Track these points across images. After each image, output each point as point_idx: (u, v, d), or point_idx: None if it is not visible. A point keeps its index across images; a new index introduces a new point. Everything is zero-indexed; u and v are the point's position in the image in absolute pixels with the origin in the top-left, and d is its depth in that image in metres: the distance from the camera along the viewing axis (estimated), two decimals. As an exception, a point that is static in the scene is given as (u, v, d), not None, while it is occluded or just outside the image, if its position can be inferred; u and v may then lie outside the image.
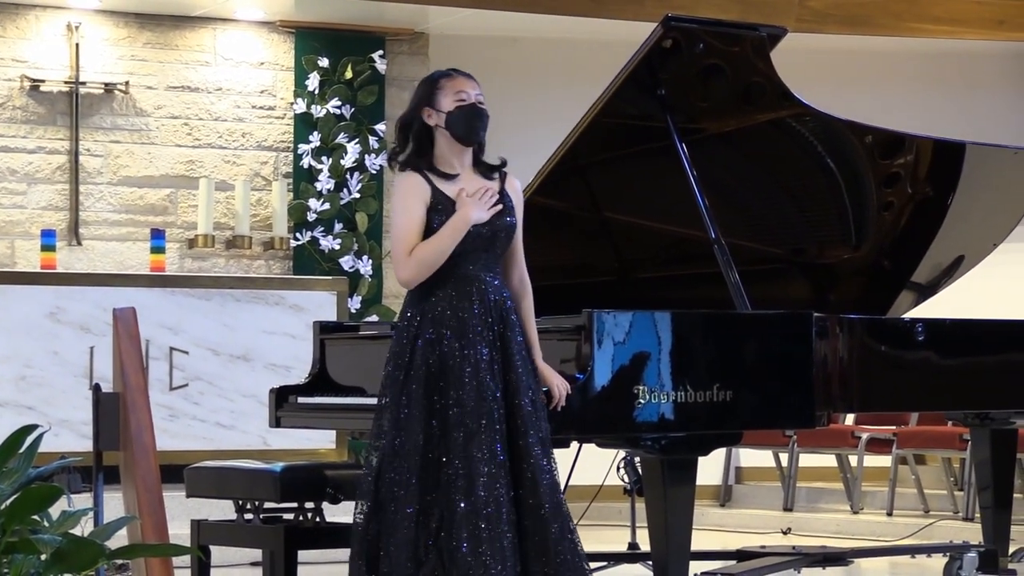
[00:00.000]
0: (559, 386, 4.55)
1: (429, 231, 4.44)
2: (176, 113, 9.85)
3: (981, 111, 12.10)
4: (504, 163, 4.67)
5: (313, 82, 9.87)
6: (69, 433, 8.47)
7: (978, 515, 8.03)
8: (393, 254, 4.69)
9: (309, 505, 5.54)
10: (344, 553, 5.35)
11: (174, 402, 8.75)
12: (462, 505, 4.23)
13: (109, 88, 9.69)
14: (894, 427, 10.19)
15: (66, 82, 9.70)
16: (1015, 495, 7.73)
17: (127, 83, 9.67)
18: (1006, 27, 11.13)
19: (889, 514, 10.14)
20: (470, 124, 4.55)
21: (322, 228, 9.83)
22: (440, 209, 4.45)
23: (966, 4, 11.07)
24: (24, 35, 9.77)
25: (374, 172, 9.97)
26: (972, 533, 8.20)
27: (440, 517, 4.29)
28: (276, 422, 6.28)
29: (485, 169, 4.59)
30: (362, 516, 4.41)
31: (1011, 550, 7.55)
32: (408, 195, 4.52)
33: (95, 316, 8.77)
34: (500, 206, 4.48)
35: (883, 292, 7.36)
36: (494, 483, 4.25)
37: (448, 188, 4.49)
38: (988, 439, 7.31)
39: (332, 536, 5.66)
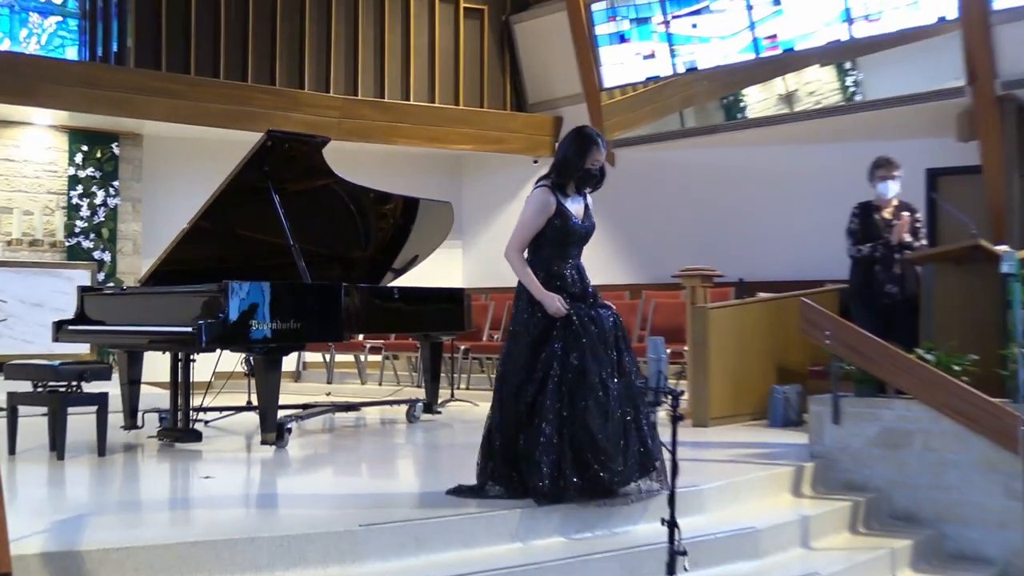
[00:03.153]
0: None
1: (551, 229, 5.68)
2: None
3: (430, 181, 15.42)
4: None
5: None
6: None
7: (422, 384, 10.55)
8: (511, 238, 5.72)
9: (75, 383, 7.20)
10: (89, 409, 7.28)
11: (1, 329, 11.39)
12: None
13: None
14: (383, 340, 12.94)
15: None
16: (441, 374, 10.47)
17: None
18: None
19: (379, 384, 13.08)
20: (592, 183, 5.81)
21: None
22: (561, 215, 5.69)
23: (448, 124, 15.22)
24: None
25: None
26: (420, 393, 10.63)
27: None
28: (55, 340, 8.49)
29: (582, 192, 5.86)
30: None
31: (439, 401, 10.40)
32: (539, 207, 5.68)
33: None
34: (567, 309, 5.59)
35: (378, 273, 9.66)
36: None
37: (567, 204, 5.73)
38: (428, 345, 10.11)
39: (87, 400, 7.32)
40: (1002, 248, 7.59)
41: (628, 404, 5.57)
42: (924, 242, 8.82)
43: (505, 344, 5.79)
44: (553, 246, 5.65)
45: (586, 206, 5.79)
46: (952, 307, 8.11)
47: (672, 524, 4.74)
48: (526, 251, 5.70)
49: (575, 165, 5.62)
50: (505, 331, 10.99)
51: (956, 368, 7.40)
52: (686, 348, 9.74)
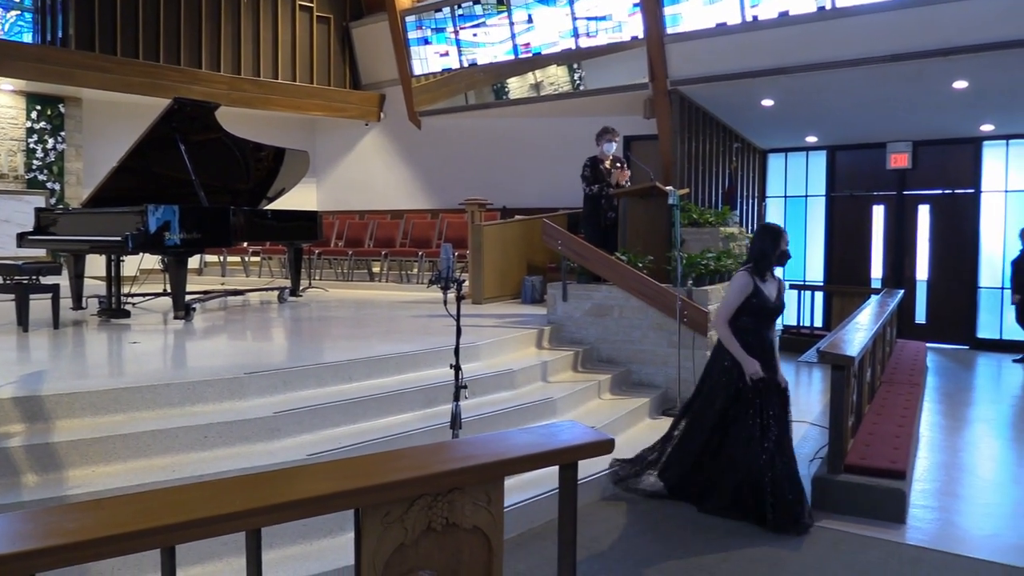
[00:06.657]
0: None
1: (748, 306, 4.84)
2: None
3: (293, 137, 15.19)
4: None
5: None
6: None
7: (288, 277, 10.03)
8: (720, 311, 4.88)
9: (34, 276, 6.78)
10: (45, 295, 6.75)
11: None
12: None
13: None
14: (261, 246, 12.43)
15: None
16: (301, 270, 10.04)
17: None
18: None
19: (259, 276, 12.56)
20: (787, 260, 4.93)
21: None
22: (756, 295, 4.83)
23: (305, 96, 14.34)
24: None
25: None
26: (287, 283, 10.31)
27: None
28: (19, 246, 8.15)
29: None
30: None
31: (301, 288, 9.93)
32: (742, 289, 4.83)
33: None
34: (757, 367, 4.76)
35: (257, 199, 9.28)
36: None
37: (763, 286, 4.85)
38: (293, 250, 9.75)
39: (44, 288, 6.81)
40: (669, 188, 7.80)
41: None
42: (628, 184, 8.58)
43: (703, 388, 5.01)
44: (749, 318, 4.82)
45: (780, 289, 4.93)
46: (638, 226, 8.19)
47: (457, 368, 4.73)
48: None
49: (773, 253, 4.82)
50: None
51: (640, 265, 7.63)
52: (468, 251, 9.57)
